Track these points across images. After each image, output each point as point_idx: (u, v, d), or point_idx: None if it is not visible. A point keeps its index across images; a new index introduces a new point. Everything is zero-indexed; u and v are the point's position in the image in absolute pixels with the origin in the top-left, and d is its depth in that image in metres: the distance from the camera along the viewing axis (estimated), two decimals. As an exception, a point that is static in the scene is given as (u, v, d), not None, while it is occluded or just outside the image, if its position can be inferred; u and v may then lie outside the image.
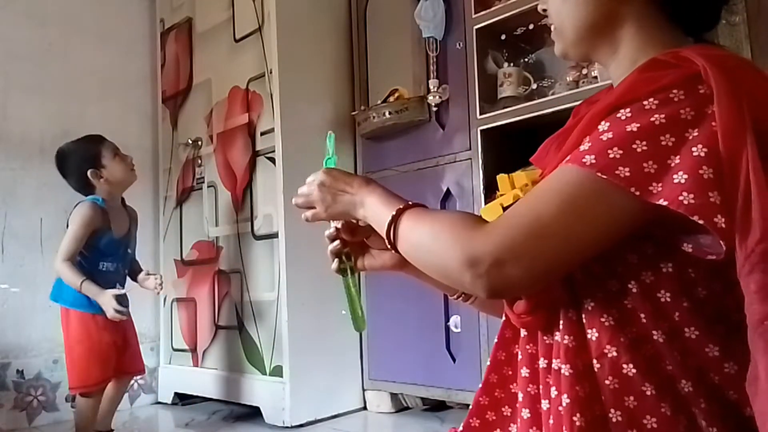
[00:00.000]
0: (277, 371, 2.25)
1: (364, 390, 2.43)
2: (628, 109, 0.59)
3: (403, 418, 2.30)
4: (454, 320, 2.14)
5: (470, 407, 0.78)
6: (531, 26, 2.09)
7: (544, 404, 0.68)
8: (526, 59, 2.21)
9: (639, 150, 0.57)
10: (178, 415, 2.58)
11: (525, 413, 0.70)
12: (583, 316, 0.65)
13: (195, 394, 2.64)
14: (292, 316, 2.22)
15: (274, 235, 2.30)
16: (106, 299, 1.90)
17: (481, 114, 2.08)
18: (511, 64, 2.12)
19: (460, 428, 0.78)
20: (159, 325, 2.81)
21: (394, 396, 2.36)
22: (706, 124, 0.56)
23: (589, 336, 0.64)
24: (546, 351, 0.68)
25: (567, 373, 0.63)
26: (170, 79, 2.88)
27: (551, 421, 0.66)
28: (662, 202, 0.55)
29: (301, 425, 2.20)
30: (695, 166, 0.55)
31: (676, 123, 0.57)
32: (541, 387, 0.69)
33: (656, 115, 0.57)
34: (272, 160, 2.32)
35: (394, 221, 0.71)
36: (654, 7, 0.70)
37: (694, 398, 0.60)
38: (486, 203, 1.95)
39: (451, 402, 2.23)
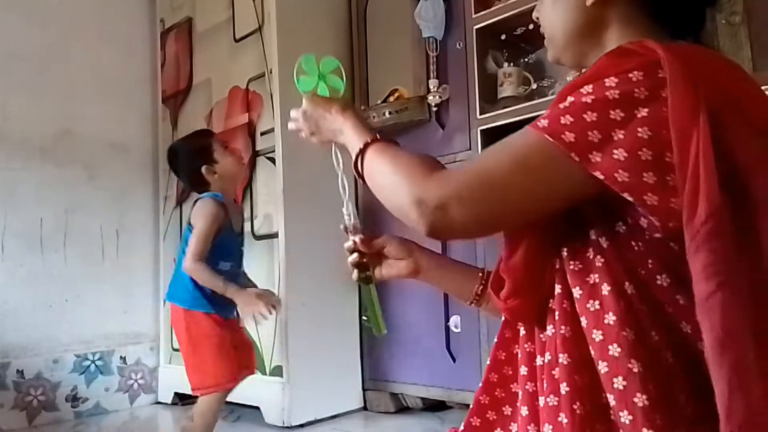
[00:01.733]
0: (277, 371, 2.24)
1: (364, 390, 2.43)
2: (590, 86, 0.62)
3: (403, 418, 2.30)
4: (454, 320, 2.14)
5: (471, 406, 0.79)
6: (531, 26, 2.09)
7: (542, 400, 0.68)
8: (526, 59, 2.21)
9: (588, 119, 0.59)
10: (178, 415, 2.58)
11: (524, 411, 0.71)
12: (577, 305, 0.65)
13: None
14: (292, 316, 2.22)
15: (274, 235, 2.30)
16: (247, 296, 1.76)
17: (481, 114, 2.08)
18: (511, 64, 2.12)
19: (461, 428, 0.79)
20: (159, 325, 2.82)
21: (394, 396, 2.36)
22: (657, 107, 0.58)
23: (582, 324, 0.64)
24: (542, 347, 0.69)
25: (565, 362, 0.64)
26: (170, 78, 2.88)
27: (546, 413, 0.66)
28: (599, 175, 0.58)
29: (301, 425, 2.20)
30: (636, 147, 0.57)
31: (628, 99, 0.59)
32: (538, 384, 0.69)
33: (612, 91, 0.59)
34: (272, 160, 2.32)
35: (361, 153, 0.78)
36: (638, 11, 0.72)
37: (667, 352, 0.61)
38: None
39: (451, 402, 2.23)
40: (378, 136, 0.79)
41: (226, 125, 2.55)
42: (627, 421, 0.59)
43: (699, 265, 0.55)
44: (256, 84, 2.41)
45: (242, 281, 1.92)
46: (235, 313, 1.86)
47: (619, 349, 0.60)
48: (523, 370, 0.73)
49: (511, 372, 0.76)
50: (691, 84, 0.57)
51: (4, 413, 2.36)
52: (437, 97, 2.19)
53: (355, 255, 0.96)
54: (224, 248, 1.86)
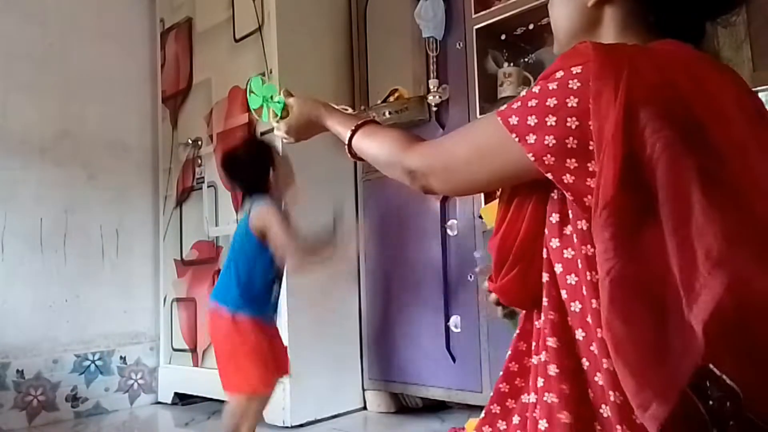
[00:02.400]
0: (277, 371, 2.24)
1: (364, 390, 2.43)
2: (544, 80, 0.69)
3: (403, 418, 2.30)
4: (454, 320, 2.14)
5: (491, 395, 0.81)
6: (531, 26, 2.09)
7: (540, 381, 0.71)
8: (526, 59, 2.21)
9: (530, 105, 0.67)
10: (178, 415, 2.58)
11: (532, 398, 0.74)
12: (564, 291, 0.70)
13: (195, 394, 2.64)
14: (292, 316, 2.22)
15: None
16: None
17: (481, 114, 2.08)
18: (511, 64, 2.12)
19: (482, 415, 0.81)
20: (159, 325, 2.82)
21: (394, 396, 2.36)
22: (586, 97, 0.63)
23: (572, 309, 0.69)
24: (537, 336, 0.73)
25: (554, 346, 0.69)
26: (170, 79, 2.88)
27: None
28: (530, 156, 0.66)
29: (301, 425, 2.20)
30: (563, 135, 0.64)
31: (562, 89, 0.65)
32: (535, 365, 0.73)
33: (553, 84, 0.67)
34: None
35: (350, 141, 0.94)
36: (636, 17, 0.76)
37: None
38: (486, 203, 1.95)
39: (451, 402, 2.23)
40: (357, 124, 0.94)
41: (226, 125, 2.55)
42: (600, 382, 0.65)
43: (597, 251, 0.61)
44: (256, 84, 2.41)
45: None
46: (275, 318, 1.86)
47: (590, 319, 0.65)
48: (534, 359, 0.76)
49: (531, 363, 0.78)
50: (611, 80, 0.62)
51: (4, 413, 2.36)
52: (437, 97, 2.19)
53: (494, 294, 0.98)
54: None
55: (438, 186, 0.79)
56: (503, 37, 2.16)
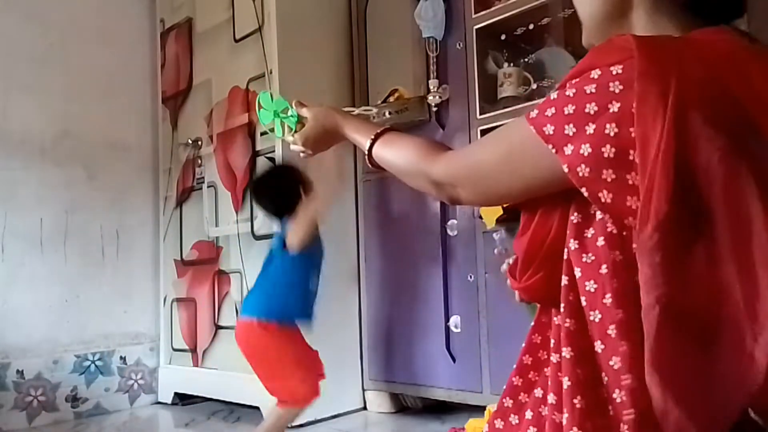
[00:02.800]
0: (277, 371, 2.24)
1: (364, 390, 2.43)
2: (577, 79, 0.64)
3: (403, 418, 2.30)
4: (454, 320, 2.14)
5: (504, 388, 0.79)
6: (531, 26, 2.09)
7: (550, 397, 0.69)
8: (526, 59, 2.21)
9: (566, 112, 0.62)
10: (178, 415, 2.58)
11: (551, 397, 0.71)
12: (583, 298, 0.65)
13: (195, 394, 2.64)
14: (292, 316, 2.22)
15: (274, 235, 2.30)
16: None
17: (481, 114, 2.08)
18: (511, 64, 2.12)
19: (494, 409, 0.79)
20: (159, 325, 2.82)
21: (394, 396, 2.36)
22: (629, 101, 0.57)
23: (591, 318, 0.64)
24: (554, 332, 0.70)
25: (568, 356, 0.64)
26: (170, 79, 2.88)
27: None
28: (565, 168, 0.61)
29: (301, 425, 2.20)
30: (600, 143, 0.58)
31: (603, 93, 0.59)
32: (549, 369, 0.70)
33: (591, 86, 0.61)
34: (272, 160, 2.32)
35: (370, 150, 0.90)
36: None
37: None
38: (486, 203, 1.94)
39: (451, 402, 2.23)
40: (377, 132, 0.90)
41: (226, 125, 2.55)
42: (619, 399, 0.60)
43: (643, 276, 0.56)
44: (256, 84, 2.41)
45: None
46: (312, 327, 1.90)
47: (612, 331, 0.61)
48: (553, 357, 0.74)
49: (546, 356, 0.76)
50: (658, 82, 0.56)
51: (4, 414, 2.36)
52: (437, 97, 2.19)
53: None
54: (317, 264, 1.91)
55: (466, 196, 0.75)
56: (503, 37, 2.16)
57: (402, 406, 2.38)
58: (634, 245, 0.59)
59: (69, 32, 2.71)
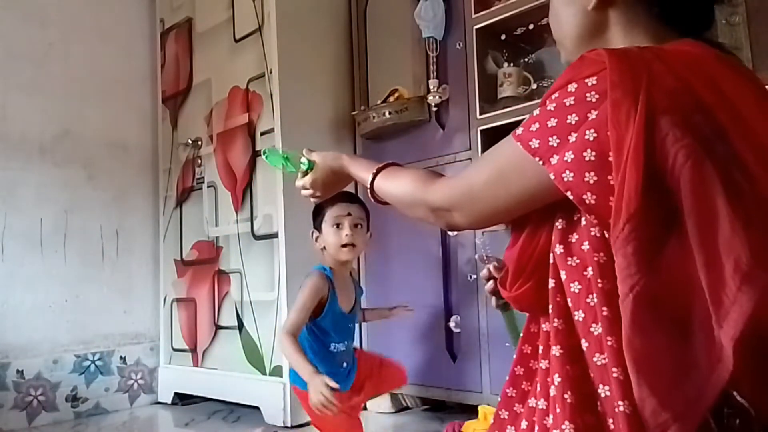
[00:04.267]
0: (277, 371, 2.24)
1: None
2: (557, 93, 0.67)
3: (403, 418, 2.30)
4: (454, 320, 2.14)
5: (499, 399, 0.81)
6: (531, 26, 2.09)
7: (532, 401, 0.71)
8: (526, 59, 2.21)
9: (550, 126, 0.65)
10: (178, 415, 2.58)
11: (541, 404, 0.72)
12: (569, 299, 0.67)
13: (195, 394, 2.64)
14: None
15: (274, 235, 2.30)
16: (317, 385, 1.54)
17: (481, 114, 2.09)
18: (511, 64, 2.12)
19: (491, 420, 0.81)
20: (159, 325, 2.82)
21: (394, 396, 2.36)
22: (604, 108, 0.61)
23: (576, 318, 0.66)
24: (542, 338, 0.72)
25: (557, 354, 0.67)
26: (170, 79, 2.88)
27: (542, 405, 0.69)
28: (551, 175, 0.63)
29: (301, 425, 2.20)
30: (582, 148, 0.61)
31: (581, 104, 0.63)
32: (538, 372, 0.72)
33: (570, 98, 0.64)
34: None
35: (371, 185, 0.94)
36: (641, 13, 0.73)
37: None
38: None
39: (451, 402, 2.23)
40: (378, 167, 0.95)
41: (226, 125, 2.55)
42: (603, 394, 0.63)
43: (617, 267, 0.59)
44: (256, 84, 2.41)
45: (350, 360, 1.83)
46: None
47: (596, 329, 0.63)
48: (518, 370, 0.77)
49: (537, 365, 0.77)
50: (630, 89, 0.60)
51: (4, 413, 2.35)
52: (437, 97, 2.19)
53: (492, 282, 1.00)
54: (329, 327, 1.74)
55: (461, 219, 0.77)
56: (503, 37, 2.17)
57: (402, 406, 2.38)
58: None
59: (69, 32, 2.71)
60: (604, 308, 0.62)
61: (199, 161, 2.68)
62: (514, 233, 0.76)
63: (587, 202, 0.61)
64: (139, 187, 2.88)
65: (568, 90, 0.65)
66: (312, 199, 1.14)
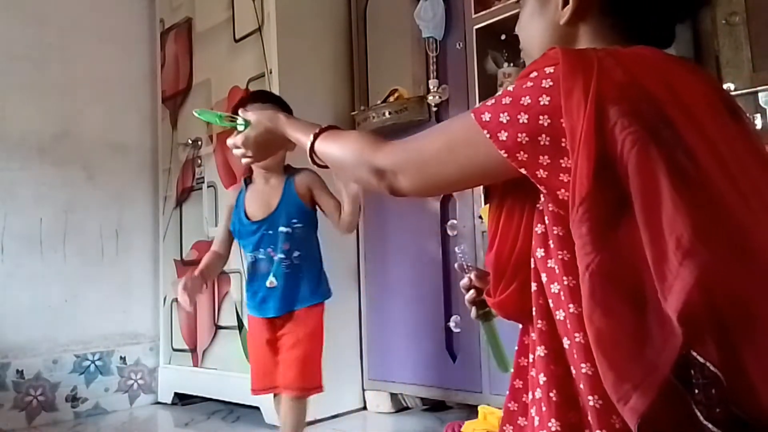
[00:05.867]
0: (277, 371, 2.24)
1: (364, 390, 2.43)
2: (518, 81, 0.70)
3: (403, 418, 2.30)
4: (454, 320, 2.14)
5: (502, 414, 0.81)
6: (531, 26, 2.09)
7: (537, 393, 0.72)
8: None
9: (504, 103, 0.68)
10: (178, 415, 2.58)
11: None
12: (550, 300, 0.69)
13: (195, 394, 2.64)
14: (292, 316, 2.22)
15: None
16: (184, 278, 1.64)
17: (481, 114, 2.08)
18: (511, 64, 2.12)
19: None
20: (159, 325, 2.81)
21: (394, 396, 2.36)
22: (557, 97, 0.64)
23: (557, 317, 0.68)
24: (533, 347, 0.73)
25: (542, 354, 0.69)
26: (170, 79, 2.88)
27: (532, 410, 0.70)
28: (503, 153, 0.66)
29: (301, 425, 2.20)
30: (536, 133, 0.65)
31: (536, 89, 0.66)
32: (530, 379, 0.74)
33: (528, 83, 0.68)
34: (272, 160, 2.32)
35: (312, 146, 0.90)
36: (609, 29, 0.76)
37: None
38: (486, 203, 1.95)
39: (451, 402, 2.23)
40: (320, 128, 0.91)
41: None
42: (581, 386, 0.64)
43: (576, 246, 0.62)
44: (256, 84, 2.41)
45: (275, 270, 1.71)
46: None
47: (569, 324, 0.65)
48: (522, 361, 0.78)
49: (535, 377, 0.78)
50: (581, 80, 0.63)
51: (3, 413, 2.35)
52: (437, 97, 2.19)
53: (472, 292, 1.00)
54: (235, 235, 1.78)
55: (406, 183, 0.76)
56: (503, 37, 2.16)
57: (402, 406, 2.38)
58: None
59: (68, 32, 2.71)
60: (570, 305, 0.64)
61: (199, 161, 2.68)
62: (489, 237, 0.77)
63: (539, 176, 0.65)
64: (139, 187, 2.88)
65: (530, 76, 0.68)
66: (243, 160, 1.06)
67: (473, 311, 1.00)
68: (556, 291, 0.67)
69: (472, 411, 2.05)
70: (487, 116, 0.68)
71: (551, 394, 0.67)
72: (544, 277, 0.69)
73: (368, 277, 2.43)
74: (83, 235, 2.66)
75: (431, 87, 2.20)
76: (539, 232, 0.70)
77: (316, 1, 2.50)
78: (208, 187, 2.62)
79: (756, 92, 1.62)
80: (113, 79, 2.84)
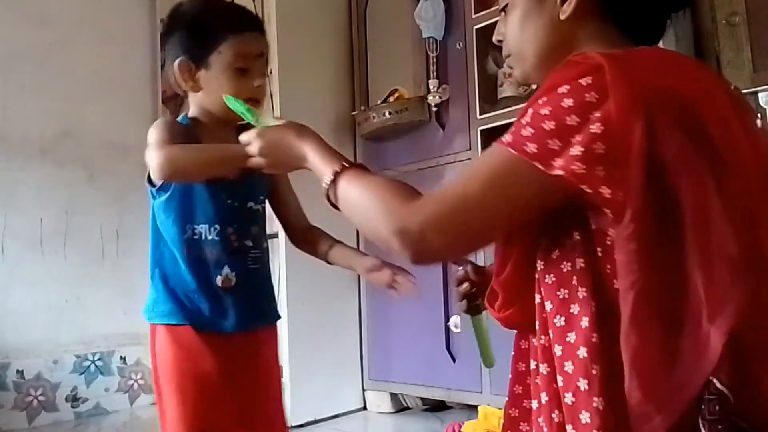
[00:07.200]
0: (277, 371, 2.24)
1: (364, 390, 2.43)
2: (545, 97, 0.65)
3: (403, 418, 2.30)
4: (454, 320, 2.14)
5: (503, 422, 0.81)
6: (531, 26, 2.09)
7: (533, 403, 0.71)
8: (526, 59, 2.21)
9: (547, 128, 0.62)
10: (178, 415, 2.58)
11: (534, 404, 0.73)
12: (547, 318, 0.68)
13: (195, 394, 2.64)
14: (292, 316, 2.22)
15: (274, 236, 2.29)
16: None
17: (481, 114, 2.08)
18: (511, 64, 2.12)
19: None
20: (159, 325, 2.81)
21: (394, 396, 2.36)
22: (607, 106, 0.60)
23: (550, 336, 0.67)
24: (536, 356, 0.71)
25: (544, 372, 0.67)
26: (170, 79, 2.87)
27: (540, 419, 0.69)
28: (559, 171, 0.60)
29: (301, 425, 2.20)
30: (590, 142, 0.59)
31: (581, 105, 0.61)
32: (531, 386, 0.73)
33: (566, 99, 0.62)
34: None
35: (333, 183, 0.76)
36: (607, 26, 0.74)
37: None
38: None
39: (451, 402, 2.23)
40: (346, 163, 0.77)
41: (226, 125, 2.55)
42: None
43: (620, 262, 0.60)
44: (256, 84, 2.41)
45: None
46: None
47: (572, 367, 0.63)
48: (520, 366, 0.78)
49: (534, 382, 0.78)
50: (631, 89, 0.59)
51: (4, 414, 2.35)
52: (437, 97, 2.19)
53: (466, 285, 0.99)
54: (191, 204, 1.14)
55: (438, 242, 0.65)
56: (503, 37, 2.16)
57: (402, 406, 2.38)
58: (610, 236, 0.63)
59: (69, 32, 2.71)
60: (584, 318, 0.63)
61: (199, 161, 2.67)
62: (500, 258, 0.74)
63: (604, 195, 0.59)
64: (139, 187, 2.82)
65: (560, 92, 0.63)
66: (252, 160, 0.89)
67: (464, 303, 1.00)
68: (549, 309, 0.67)
69: (472, 411, 2.05)
70: (532, 147, 0.61)
71: (553, 415, 0.65)
72: (543, 291, 0.68)
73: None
74: (84, 235, 2.66)
75: (431, 87, 2.20)
76: (543, 245, 0.69)
77: (316, 1, 2.50)
78: (209, 187, 2.62)
79: (756, 92, 1.63)
80: (114, 79, 2.84)
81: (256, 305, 1.18)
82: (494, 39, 0.84)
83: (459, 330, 2.13)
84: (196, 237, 1.11)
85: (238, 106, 0.99)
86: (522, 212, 0.66)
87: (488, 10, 2.10)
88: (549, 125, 0.62)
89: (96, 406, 2.60)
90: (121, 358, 2.70)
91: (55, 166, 2.61)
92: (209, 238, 1.11)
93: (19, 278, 2.47)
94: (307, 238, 1.32)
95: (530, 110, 0.65)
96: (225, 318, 1.10)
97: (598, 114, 0.60)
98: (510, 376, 0.80)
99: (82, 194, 2.67)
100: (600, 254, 0.64)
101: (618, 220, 0.60)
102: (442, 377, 2.16)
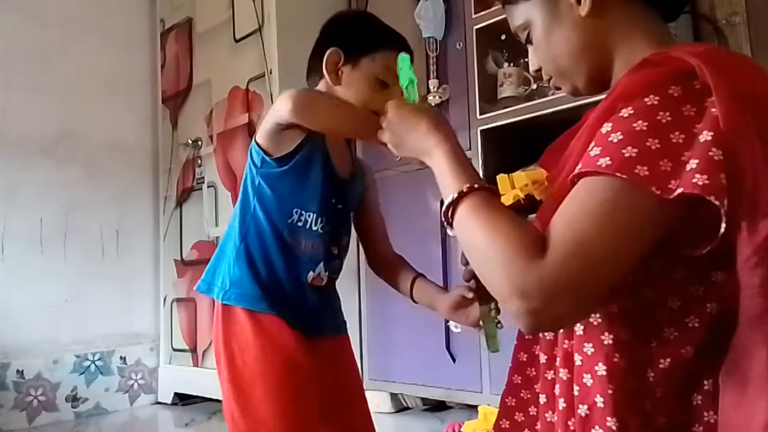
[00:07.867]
0: (277, 371, 2.24)
1: (364, 390, 2.42)
2: (630, 108, 0.58)
3: (403, 418, 2.30)
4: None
5: (498, 409, 0.80)
6: (531, 26, 2.09)
7: (541, 398, 0.71)
8: (526, 59, 2.21)
9: (653, 148, 0.55)
10: (178, 415, 2.58)
11: (542, 398, 0.72)
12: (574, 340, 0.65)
13: (195, 394, 2.64)
14: (292, 316, 2.22)
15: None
16: None
17: (481, 114, 2.08)
18: (511, 64, 2.12)
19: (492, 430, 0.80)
20: (159, 325, 2.81)
21: (394, 396, 2.36)
22: (708, 114, 0.55)
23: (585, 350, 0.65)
24: (551, 344, 0.71)
25: (564, 378, 0.66)
26: (170, 79, 2.88)
27: (547, 415, 0.69)
28: (679, 190, 0.53)
29: (301, 425, 2.20)
30: (705, 150, 0.54)
31: (682, 121, 0.56)
32: (539, 381, 0.72)
33: (661, 113, 0.56)
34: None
35: (455, 203, 0.67)
36: (630, 5, 0.71)
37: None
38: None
39: (451, 402, 2.23)
40: (475, 183, 0.68)
41: (226, 125, 2.55)
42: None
43: (758, 279, 0.54)
44: (256, 84, 2.41)
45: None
46: None
47: (592, 381, 0.62)
48: (542, 358, 0.74)
49: (534, 373, 0.76)
50: (732, 93, 0.54)
51: (4, 413, 2.35)
52: (437, 97, 2.19)
53: (473, 282, 1.00)
54: (307, 190, 1.13)
55: (569, 305, 0.56)
56: (503, 37, 2.16)
57: (402, 406, 2.38)
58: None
59: (69, 32, 2.71)
60: (607, 333, 0.62)
61: (199, 161, 2.68)
62: None
63: (729, 206, 0.53)
64: (139, 187, 2.88)
65: (649, 104, 0.57)
66: (379, 133, 0.87)
67: (472, 295, 1.02)
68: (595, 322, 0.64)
69: (472, 411, 2.05)
70: (644, 170, 0.54)
71: (570, 423, 0.64)
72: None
73: (368, 277, 2.43)
74: (84, 235, 2.66)
75: (431, 87, 2.20)
76: None
77: (316, 1, 2.49)
78: (209, 187, 2.62)
79: None
80: (114, 79, 2.84)
81: (337, 311, 1.22)
82: (531, 71, 0.80)
83: (459, 330, 2.12)
84: (300, 224, 1.04)
85: (407, 71, 0.95)
86: (645, 248, 0.57)
87: (488, 10, 2.10)
88: (654, 144, 0.55)
89: (96, 406, 2.61)
90: (121, 358, 2.70)
91: (55, 166, 2.62)
92: (314, 229, 1.05)
93: (19, 278, 2.47)
94: (390, 264, 1.27)
95: (610, 124, 0.58)
96: (311, 317, 1.08)
97: (701, 125, 0.55)
98: (510, 365, 0.78)
99: (82, 194, 2.67)
100: (641, 276, 0.61)
101: (730, 228, 0.54)
102: (442, 377, 2.16)
